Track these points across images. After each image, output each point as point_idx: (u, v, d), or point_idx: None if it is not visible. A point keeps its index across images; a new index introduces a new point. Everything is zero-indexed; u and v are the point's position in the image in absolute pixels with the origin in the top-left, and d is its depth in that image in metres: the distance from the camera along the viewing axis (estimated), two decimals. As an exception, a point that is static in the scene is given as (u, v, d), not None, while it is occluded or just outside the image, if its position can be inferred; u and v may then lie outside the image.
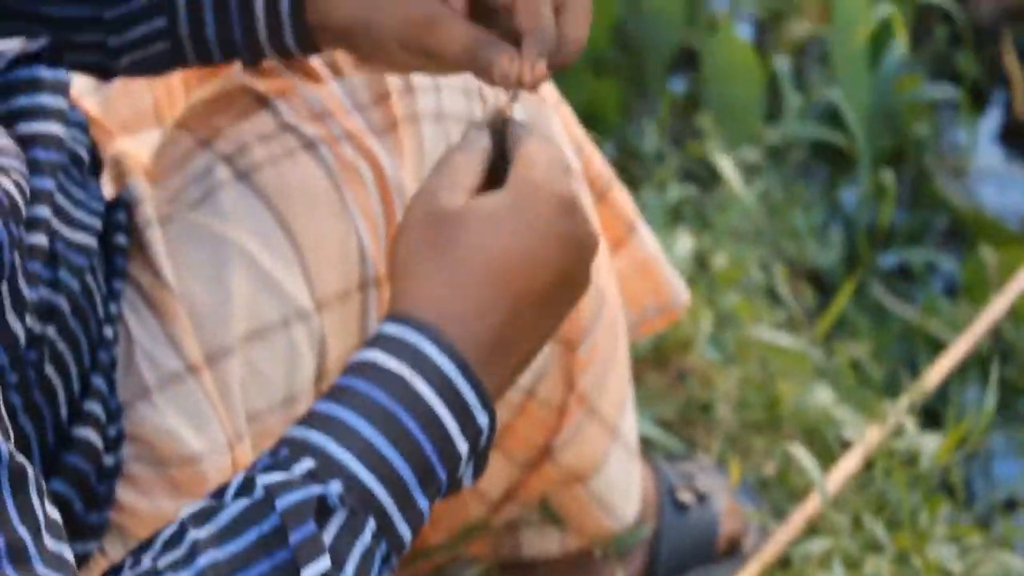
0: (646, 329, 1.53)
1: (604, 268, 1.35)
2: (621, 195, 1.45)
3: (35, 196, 1.02)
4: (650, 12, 2.77)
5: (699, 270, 2.02)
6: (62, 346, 1.08)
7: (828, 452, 1.81)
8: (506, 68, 1.02)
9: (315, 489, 0.85)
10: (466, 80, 1.29)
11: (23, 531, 0.79)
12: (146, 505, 1.15)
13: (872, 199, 2.60)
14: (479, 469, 0.93)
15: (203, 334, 1.17)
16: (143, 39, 1.17)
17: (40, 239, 1.01)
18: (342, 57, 1.24)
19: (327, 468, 0.86)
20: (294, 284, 1.20)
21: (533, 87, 1.01)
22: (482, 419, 0.90)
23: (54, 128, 1.06)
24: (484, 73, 1.04)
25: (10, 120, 1.04)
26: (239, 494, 0.87)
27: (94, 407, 1.12)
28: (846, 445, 1.81)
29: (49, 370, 1.07)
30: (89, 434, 1.11)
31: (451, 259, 0.90)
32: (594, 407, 1.36)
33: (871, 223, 2.60)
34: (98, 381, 1.13)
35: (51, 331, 1.06)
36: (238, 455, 1.16)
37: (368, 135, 1.22)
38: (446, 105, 1.28)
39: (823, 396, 1.86)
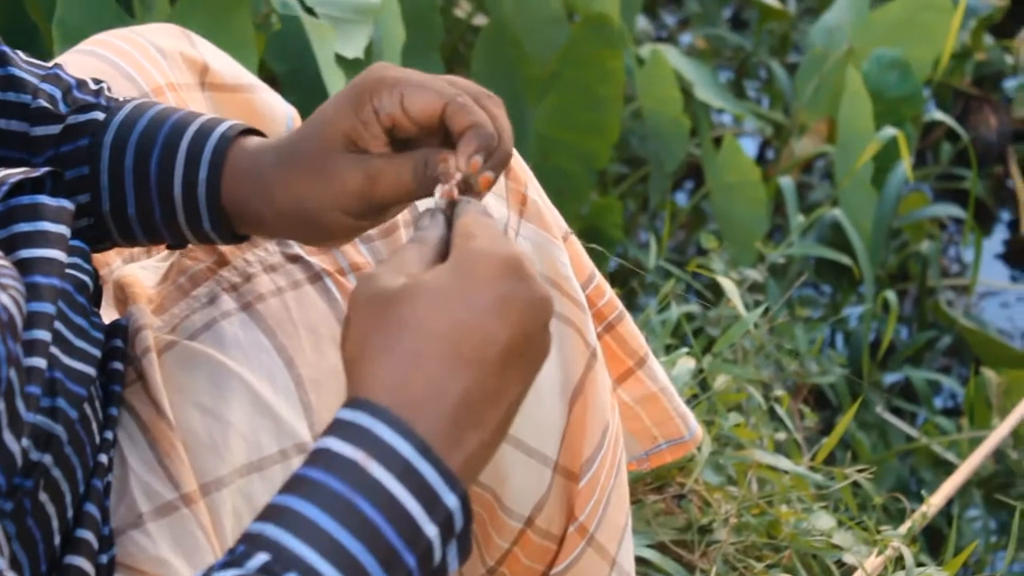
0: (656, 462, 1.52)
1: (607, 400, 1.35)
2: (630, 327, 1.45)
3: (34, 320, 1.01)
4: (654, 127, 2.79)
5: (700, 390, 2.01)
6: (57, 473, 1.08)
7: (828, 578, 1.80)
8: (447, 164, 1.02)
9: None
10: None
11: None
12: (136, 634, 1.14)
13: (875, 317, 2.60)
14: (464, 552, 0.91)
15: (199, 464, 1.17)
16: None
17: (39, 362, 1.01)
18: None
19: (282, 561, 0.84)
20: (293, 417, 1.19)
21: (483, 187, 1.00)
22: (449, 499, 0.87)
23: (54, 253, 1.05)
24: (430, 180, 1.04)
25: (10, 246, 1.04)
26: None
27: (86, 534, 1.11)
28: (847, 571, 1.80)
29: (43, 497, 1.06)
30: (81, 562, 1.10)
31: (399, 339, 0.88)
32: (593, 536, 1.36)
33: (874, 341, 2.60)
34: (91, 508, 1.12)
35: (47, 459, 1.05)
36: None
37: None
38: None
39: (823, 521, 1.84)
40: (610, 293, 1.43)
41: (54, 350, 1.07)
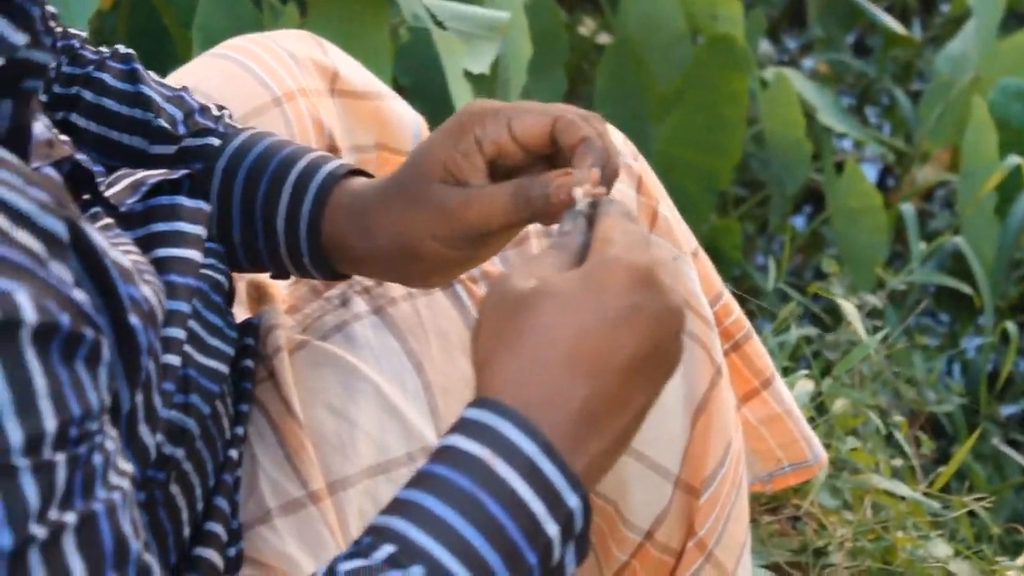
0: (779, 484, 1.51)
1: (731, 418, 1.34)
2: (757, 347, 1.44)
3: (170, 318, 1.03)
4: (776, 150, 2.78)
5: (817, 414, 2.00)
6: (188, 467, 1.09)
7: (944, 607, 1.78)
8: (560, 182, 1.02)
9: (394, 574, 0.85)
10: None
11: None
12: (261, 627, 1.16)
13: (995, 348, 2.57)
14: (581, 553, 0.91)
15: (326, 463, 1.18)
16: None
17: (173, 359, 1.03)
18: None
19: (408, 554, 0.85)
20: (421, 421, 1.20)
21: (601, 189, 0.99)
22: (572, 500, 0.87)
23: (191, 254, 1.07)
24: (539, 204, 1.04)
25: (148, 244, 1.06)
26: None
27: (216, 527, 1.13)
28: (962, 600, 1.79)
29: (175, 490, 1.08)
30: (211, 555, 1.11)
31: (524, 342, 0.88)
32: (712, 553, 1.35)
33: (993, 372, 2.58)
34: (221, 502, 1.14)
35: (180, 453, 1.07)
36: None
37: None
38: None
39: (940, 549, 1.83)
40: (738, 312, 1.43)
41: (188, 348, 1.08)
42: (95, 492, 0.79)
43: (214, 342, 1.12)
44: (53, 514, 0.77)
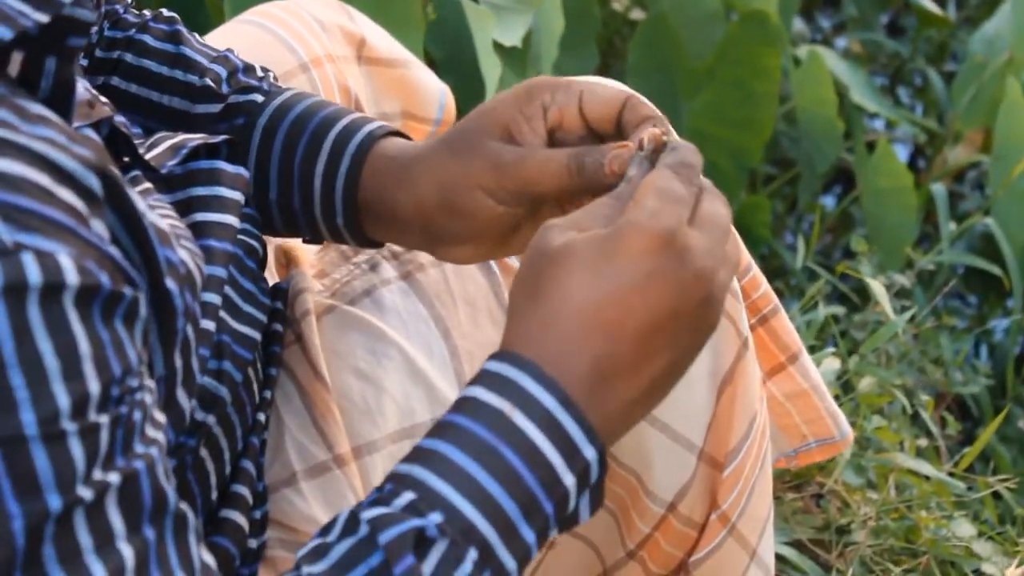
0: (804, 460, 1.51)
1: (757, 391, 1.34)
2: (785, 322, 1.44)
3: (207, 282, 1.04)
4: (807, 129, 2.77)
5: (843, 392, 2.00)
6: (218, 431, 1.10)
7: (966, 587, 1.78)
8: (616, 153, 1.02)
9: (415, 521, 0.86)
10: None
11: (180, 574, 0.82)
12: (286, 589, 1.16)
13: (1022, 331, 2.56)
14: (596, 503, 0.92)
15: (353, 427, 1.18)
16: None
17: (208, 324, 1.03)
18: None
19: (427, 501, 0.87)
20: (447, 387, 1.21)
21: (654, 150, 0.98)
22: (588, 452, 0.89)
23: (229, 219, 1.07)
24: (592, 171, 1.04)
25: (186, 208, 1.07)
26: (345, 531, 0.87)
27: (242, 490, 1.13)
28: (985, 581, 1.78)
29: (204, 454, 1.09)
30: (237, 516, 1.12)
31: (545, 298, 0.89)
32: (735, 526, 1.36)
33: (1021, 354, 2.57)
34: (247, 464, 1.14)
35: (211, 419, 1.08)
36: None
37: None
38: None
39: (964, 529, 1.83)
40: (766, 286, 1.43)
41: (223, 314, 1.09)
42: (134, 448, 0.80)
43: (248, 308, 1.13)
44: (97, 474, 0.78)
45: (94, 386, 0.77)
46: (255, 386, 1.15)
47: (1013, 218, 2.56)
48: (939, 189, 2.61)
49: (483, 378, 0.89)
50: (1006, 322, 2.63)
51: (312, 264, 1.26)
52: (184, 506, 0.83)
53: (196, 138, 1.11)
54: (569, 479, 0.88)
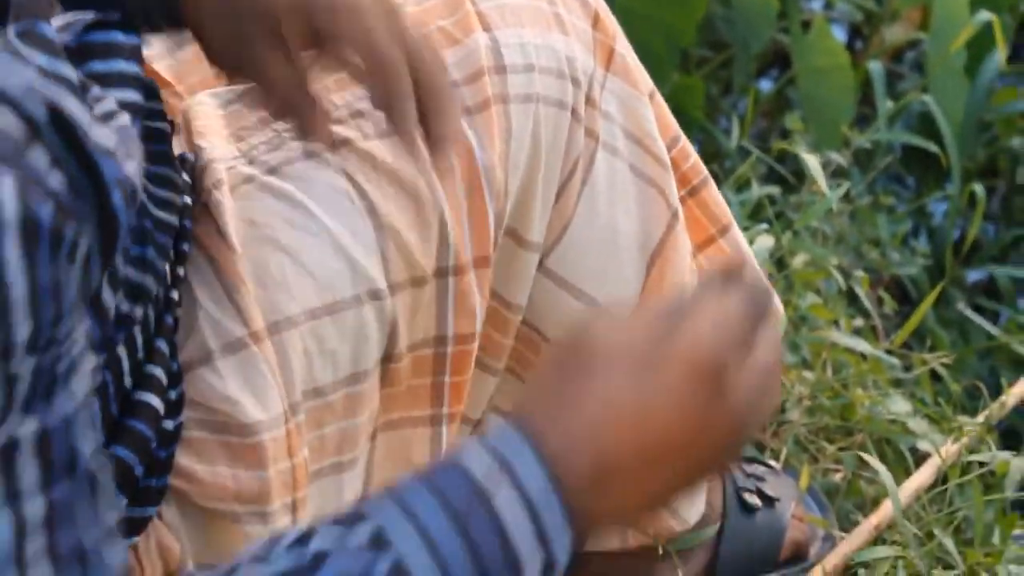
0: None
1: (687, 264, 1.33)
2: (715, 195, 1.42)
3: None
4: (741, 8, 2.73)
5: (776, 270, 1.98)
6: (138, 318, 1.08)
7: (901, 463, 1.77)
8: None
9: (365, 556, 0.84)
10: (559, 62, 1.27)
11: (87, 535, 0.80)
12: (205, 470, 1.14)
13: (961, 212, 2.55)
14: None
15: (269, 301, 1.16)
16: None
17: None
18: None
19: (381, 542, 0.85)
20: (370, 263, 1.18)
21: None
22: (559, 546, 0.88)
23: (131, 96, 1.04)
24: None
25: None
26: (294, 545, 0.86)
27: (156, 371, 1.11)
28: (920, 458, 1.77)
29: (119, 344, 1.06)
30: (151, 398, 1.10)
31: (569, 387, 0.89)
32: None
33: (958, 236, 2.56)
34: (161, 344, 1.12)
35: (138, 312, 1.05)
36: (291, 428, 1.14)
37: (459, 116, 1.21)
38: (537, 87, 1.26)
39: (899, 405, 1.81)
40: (695, 157, 1.40)
41: (142, 198, 1.06)
42: (54, 402, 0.78)
43: (163, 193, 1.10)
44: (12, 425, 0.75)
45: (22, 332, 0.74)
46: (167, 265, 1.12)
47: (951, 95, 2.54)
48: (876, 67, 2.57)
49: (487, 433, 0.89)
50: (945, 205, 2.61)
51: (223, 128, 1.21)
52: (95, 465, 0.81)
53: (87, 15, 1.07)
54: (533, 567, 0.87)
